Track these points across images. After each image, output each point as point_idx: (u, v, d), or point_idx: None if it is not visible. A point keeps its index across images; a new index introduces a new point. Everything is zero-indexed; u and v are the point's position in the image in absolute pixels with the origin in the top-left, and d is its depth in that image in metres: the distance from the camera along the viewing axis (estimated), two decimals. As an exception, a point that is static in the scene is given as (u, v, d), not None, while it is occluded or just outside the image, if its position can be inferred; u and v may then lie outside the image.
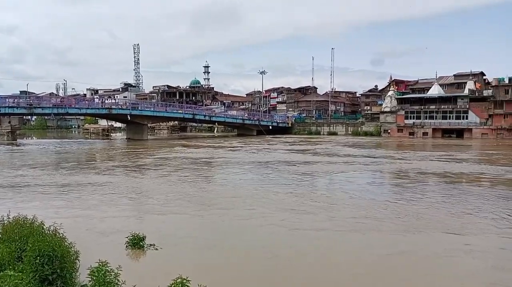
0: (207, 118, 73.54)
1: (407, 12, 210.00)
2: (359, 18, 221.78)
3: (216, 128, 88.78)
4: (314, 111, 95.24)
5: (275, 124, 79.79)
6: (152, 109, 66.99)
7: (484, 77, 74.27)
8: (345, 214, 13.35)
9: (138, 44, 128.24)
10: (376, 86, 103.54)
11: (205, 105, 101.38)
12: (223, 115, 78.22)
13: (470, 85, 66.96)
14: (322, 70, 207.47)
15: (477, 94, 65.16)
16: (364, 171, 24.61)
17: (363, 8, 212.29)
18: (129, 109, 61.38)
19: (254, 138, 62.59)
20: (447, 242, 10.40)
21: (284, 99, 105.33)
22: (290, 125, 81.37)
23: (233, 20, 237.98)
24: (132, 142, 53.93)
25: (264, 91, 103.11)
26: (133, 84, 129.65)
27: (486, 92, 64.81)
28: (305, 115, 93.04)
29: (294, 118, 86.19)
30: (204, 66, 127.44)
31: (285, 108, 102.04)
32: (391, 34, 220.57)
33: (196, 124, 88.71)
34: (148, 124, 68.16)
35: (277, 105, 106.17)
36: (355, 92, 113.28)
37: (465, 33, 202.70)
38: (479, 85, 69.28)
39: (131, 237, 9.79)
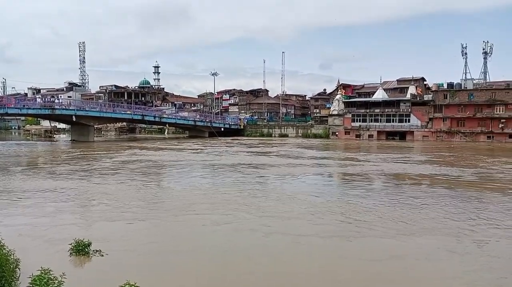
0: (157, 119, 72.10)
1: (353, 18, 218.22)
2: (308, 22, 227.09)
3: (166, 130, 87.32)
4: (266, 113, 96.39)
5: (227, 126, 79.82)
6: (98, 109, 64.57)
7: (425, 82, 78.58)
8: (328, 219, 13.07)
9: (83, 42, 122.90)
10: (324, 90, 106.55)
11: (155, 106, 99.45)
12: (173, 117, 77.00)
13: (412, 90, 70.66)
14: (273, 73, 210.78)
15: (418, 98, 68.89)
16: (336, 174, 25.00)
17: (312, 12, 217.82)
18: (74, 110, 58.81)
19: (209, 140, 62.18)
20: (430, 244, 10.53)
21: (236, 101, 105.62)
22: (242, 127, 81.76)
23: (184, 20, 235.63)
24: (78, 145, 51.70)
25: (216, 93, 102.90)
26: (78, 83, 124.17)
27: (427, 97, 68.69)
28: (257, 117, 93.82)
29: (246, 120, 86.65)
30: (154, 66, 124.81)
31: (237, 110, 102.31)
32: (339, 39, 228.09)
33: (145, 126, 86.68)
34: (95, 126, 65.73)
35: (229, 107, 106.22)
36: (305, 96, 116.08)
37: (408, 40, 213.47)
38: (420, 90, 73.25)
39: (75, 244, 9.44)
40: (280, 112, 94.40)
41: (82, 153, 38.47)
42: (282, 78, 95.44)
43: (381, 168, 26.93)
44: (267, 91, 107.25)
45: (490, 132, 60.97)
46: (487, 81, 71.45)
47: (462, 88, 64.16)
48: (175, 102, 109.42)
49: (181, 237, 11.40)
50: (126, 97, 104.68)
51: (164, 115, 75.49)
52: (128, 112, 68.01)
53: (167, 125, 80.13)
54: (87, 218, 13.47)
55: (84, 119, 59.29)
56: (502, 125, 60.30)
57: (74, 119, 57.75)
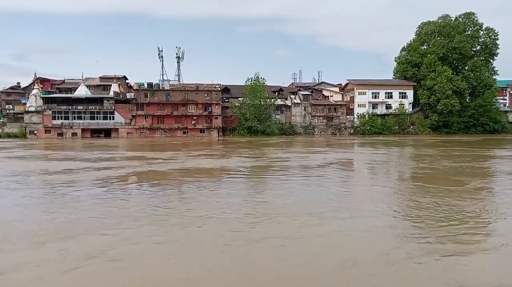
0: None
1: (46, 5, 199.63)
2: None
3: None
4: None
5: None
6: None
7: (127, 81, 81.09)
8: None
9: None
10: (18, 83, 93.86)
11: None
12: None
13: (115, 88, 71.75)
14: None
15: (121, 96, 70.68)
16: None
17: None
18: None
19: None
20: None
21: None
22: None
23: None
24: None
25: None
26: None
27: (129, 95, 71.36)
28: None
29: None
30: None
31: None
32: (37, 29, 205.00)
33: None
34: None
35: None
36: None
37: (112, 37, 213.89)
38: (123, 88, 75.31)
39: None
40: (-43, 108, 77.14)
41: None
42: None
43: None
44: None
45: (186, 128, 69.43)
46: (181, 83, 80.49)
47: (161, 88, 70.15)
48: None
49: None
50: None
51: None
52: None
53: None
54: None
55: None
56: (195, 121, 69.72)
57: None
